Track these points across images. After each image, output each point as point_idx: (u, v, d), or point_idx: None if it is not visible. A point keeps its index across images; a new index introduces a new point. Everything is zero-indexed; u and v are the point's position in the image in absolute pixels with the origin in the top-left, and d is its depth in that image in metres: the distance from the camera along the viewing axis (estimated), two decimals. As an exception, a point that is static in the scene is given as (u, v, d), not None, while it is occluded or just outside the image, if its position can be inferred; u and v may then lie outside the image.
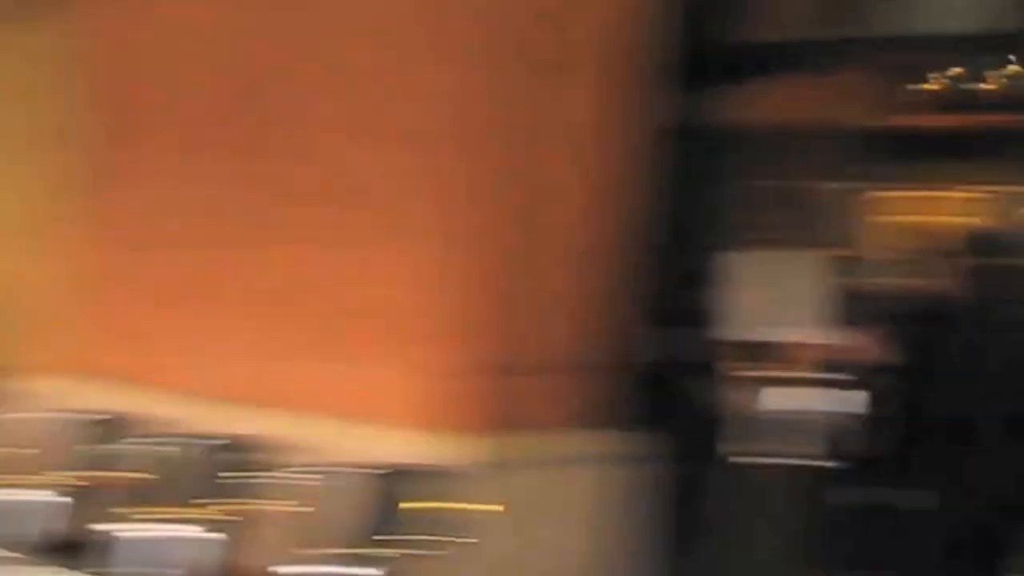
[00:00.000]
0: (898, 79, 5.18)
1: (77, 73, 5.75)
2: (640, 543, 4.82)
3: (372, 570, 4.30)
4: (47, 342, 5.76)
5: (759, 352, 5.09)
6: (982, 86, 5.07)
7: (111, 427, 5.25)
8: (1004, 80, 5.04)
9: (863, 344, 5.01)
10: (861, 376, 5.00)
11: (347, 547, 4.40)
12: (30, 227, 6.13)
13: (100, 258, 5.62)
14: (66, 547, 4.86)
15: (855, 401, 5.00)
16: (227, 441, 4.92)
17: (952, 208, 5.26)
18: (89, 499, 5.01)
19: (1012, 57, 4.97)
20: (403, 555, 4.33)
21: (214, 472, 4.89)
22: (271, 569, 4.43)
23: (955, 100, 5.10)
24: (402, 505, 4.42)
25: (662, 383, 4.97)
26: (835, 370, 5.02)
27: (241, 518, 4.66)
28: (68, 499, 4.99)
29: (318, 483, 4.58)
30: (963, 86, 5.09)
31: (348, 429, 4.63)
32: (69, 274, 5.74)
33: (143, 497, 4.90)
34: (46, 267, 5.95)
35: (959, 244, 5.14)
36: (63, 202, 5.82)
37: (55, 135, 5.92)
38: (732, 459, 5.06)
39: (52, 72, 5.99)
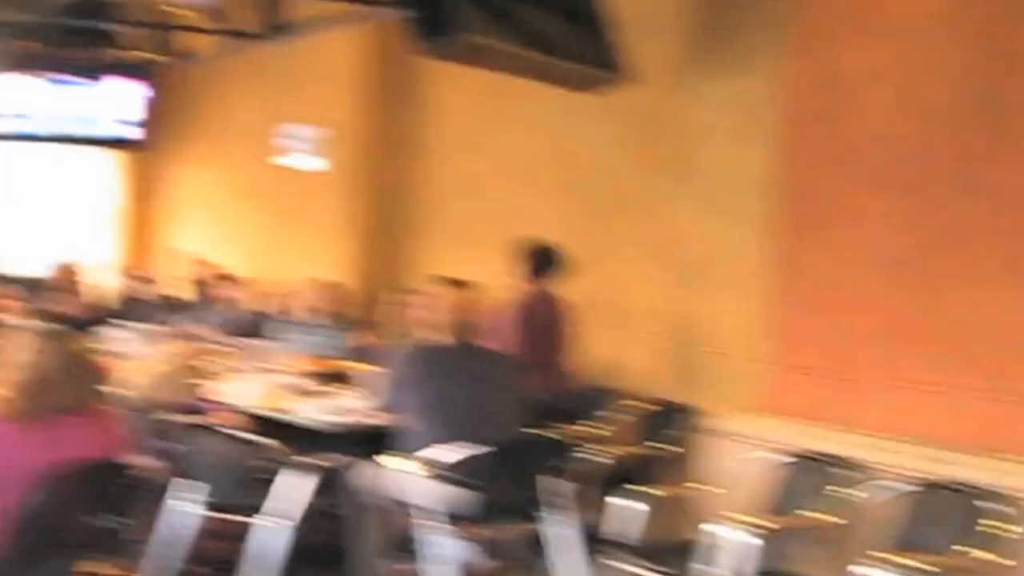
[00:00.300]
0: None
1: (778, 118, 5.82)
2: None
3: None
4: (744, 381, 5.83)
5: None
6: None
7: (806, 468, 5.16)
8: None
9: None
10: None
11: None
12: (728, 269, 6.29)
13: (794, 299, 5.64)
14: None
15: None
16: (925, 488, 4.69)
17: None
18: (781, 541, 4.91)
19: None
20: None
21: (911, 519, 4.65)
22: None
23: None
24: None
25: None
26: None
27: (939, 569, 4.32)
28: (759, 540, 4.84)
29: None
30: None
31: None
32: (764, 314, 5.80)
33: (833, 542, 4.77)
34: (743, 307, 6.07)
35: None
36: (763, 244, 5.89)
37: (759, 179, 6.00)
38: None
39: (756, 118, 6.12)
